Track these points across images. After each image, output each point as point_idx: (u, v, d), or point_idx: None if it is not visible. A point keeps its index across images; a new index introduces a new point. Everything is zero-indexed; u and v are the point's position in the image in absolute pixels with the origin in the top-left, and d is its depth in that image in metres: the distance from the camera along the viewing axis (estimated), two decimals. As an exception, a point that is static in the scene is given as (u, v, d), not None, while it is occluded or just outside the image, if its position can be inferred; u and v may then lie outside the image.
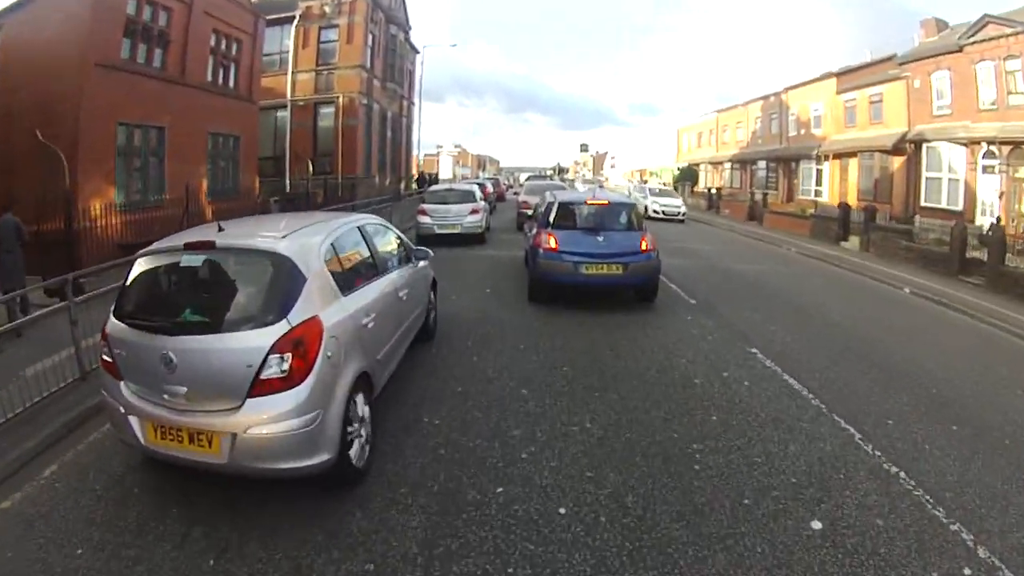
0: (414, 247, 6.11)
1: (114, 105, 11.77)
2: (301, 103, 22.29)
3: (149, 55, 13.07)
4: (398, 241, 5.83)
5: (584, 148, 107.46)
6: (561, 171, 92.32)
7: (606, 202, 8.94)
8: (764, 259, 14.47)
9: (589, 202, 8.86)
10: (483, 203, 16.15)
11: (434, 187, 17.86)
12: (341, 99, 22.32)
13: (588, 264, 7.87)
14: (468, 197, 15.20)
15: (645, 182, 49.63)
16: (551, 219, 8.54)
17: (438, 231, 14.25)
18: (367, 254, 4.80)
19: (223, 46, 15.66)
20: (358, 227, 4.84)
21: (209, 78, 15.14)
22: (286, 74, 22.16)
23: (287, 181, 21.23)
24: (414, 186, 31.25)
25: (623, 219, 8.69)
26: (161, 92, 13.14)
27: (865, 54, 26.40)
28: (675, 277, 10.40)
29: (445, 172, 53.20)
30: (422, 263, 6.10)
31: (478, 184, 20.94)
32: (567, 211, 8.68)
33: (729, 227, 22.23)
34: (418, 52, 35.15)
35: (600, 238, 8.08)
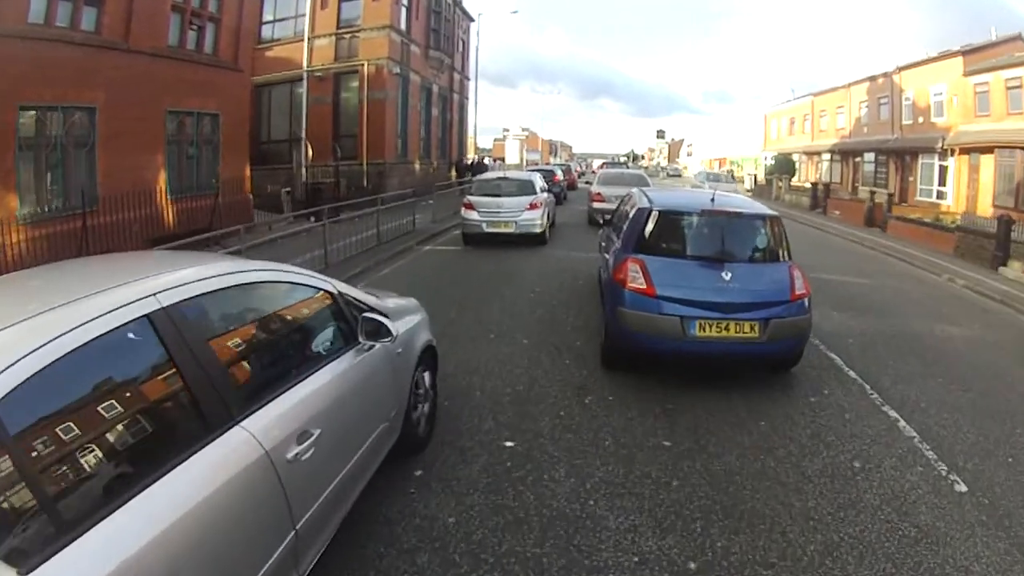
0: (368, 309, 3.00)
1: (15, 83, 8.66)
2: (319, 74, 18.70)
3: (75, 15, 9.81)
4: (327, 309, 2.82)
5: (660, 134, 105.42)
6: (635, 158, 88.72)
7: (735, 211, 5.34)
8: (937, 303, 9.21)
9: (706, 211, 5.26)
10: (546, 195, 13.01)
11: (484, 175, 14.63)
12: (366, 67, 18.53)
13: (705, 321, 4.72)
14: (526, 188, 12.31)
15: (731, 172, 43.02)
16: (644, 237, 5.30)
17: (487, 230, 11.78)
18: (172, 389, 1.85)
19: (195, 1, 12.25)
20: (149, 316, 1.79)
21: (174, 41, 11.80)
22: (303, 41, 18.61)
23: (304, 169, 17.93)
24: (453, 174, 26.94)
25: (760, 241, 5.30)
26: (91, 62, 9.90)
27: (990, 32, 22.18)
28: (865, 367, 5.67)
29: (512, 157, 49.30)
30: (377, 345, 2.91)
31: (541, 172, 17.06)
32: (670, 225, 5.41)
33: (852, 237, 16.53)
34: (472, 20, 31.03)
35: (726, 275, 4.89)
